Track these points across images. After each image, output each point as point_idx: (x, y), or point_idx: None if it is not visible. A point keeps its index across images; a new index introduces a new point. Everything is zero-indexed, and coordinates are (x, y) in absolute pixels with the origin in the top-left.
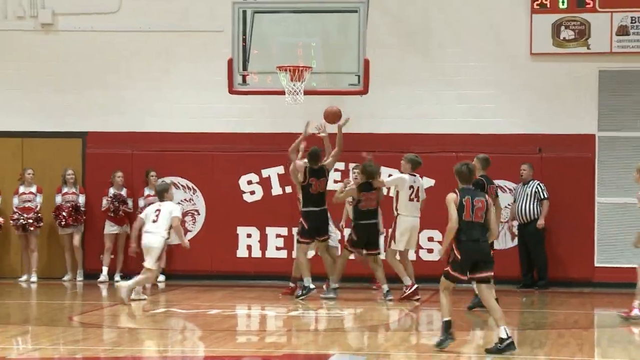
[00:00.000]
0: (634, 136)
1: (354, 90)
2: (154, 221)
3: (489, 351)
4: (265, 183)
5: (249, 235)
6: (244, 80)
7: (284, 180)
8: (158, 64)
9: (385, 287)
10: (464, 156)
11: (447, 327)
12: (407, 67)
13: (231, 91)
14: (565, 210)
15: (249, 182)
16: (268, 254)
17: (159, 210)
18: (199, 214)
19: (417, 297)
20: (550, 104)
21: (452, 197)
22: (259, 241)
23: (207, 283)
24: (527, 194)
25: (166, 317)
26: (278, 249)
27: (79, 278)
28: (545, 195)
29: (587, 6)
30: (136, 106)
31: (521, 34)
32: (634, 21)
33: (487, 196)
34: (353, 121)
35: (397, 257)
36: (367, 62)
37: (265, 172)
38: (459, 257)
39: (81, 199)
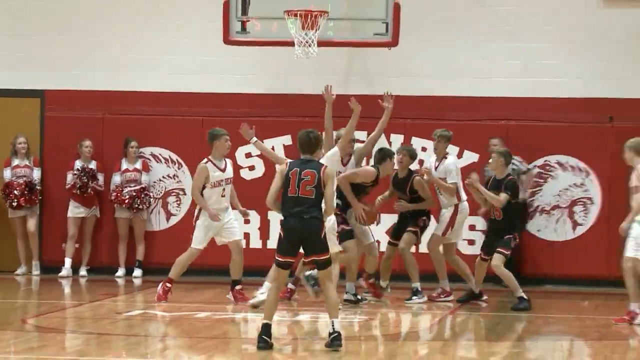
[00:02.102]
0: None
1: (381, 41)
2: None
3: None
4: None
5: (246, 222)
6: (244, 28)
7: (290, 152)
8: (137, 6)
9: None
10: (517, 125)
11: (265, 331)
12: (447, 13)
13: (227, 41)
14: None
15: (248, 155)
16: (270, 244)
17: None
18: (184, 194)
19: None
20: (626, 61)
21: (280, 169)
22: (259, 228)
23: (194, 279)
24: None
25: (143, 321)
26: None
27: (35, 271)
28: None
29: None
30: (109, 58)
31: None
32: None
33: (323, 169)
34: (379, 79)
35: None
36: (397, 7)
37: (268, 143)
38: (282, 236)
39: (36, 174)
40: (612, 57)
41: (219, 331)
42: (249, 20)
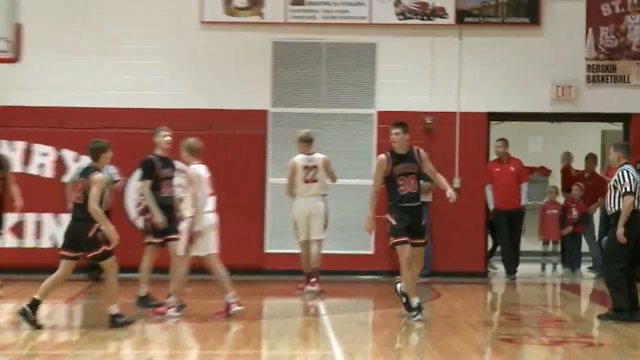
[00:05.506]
0: (309, 112)
1: (3, 57)
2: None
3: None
4: None
5: None
6: None
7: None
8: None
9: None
10: (128, 133)
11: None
12: (65, 32)
13: None
14: (237, 192)
15: None
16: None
17: None
18: None
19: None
20: (222, 78)
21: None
22: None
23: None
24: None
25: None
26: None
27: None
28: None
29: None
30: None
31: None
32: None
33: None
34: (9, 92)
35: None
36: (18, 27)
37: None
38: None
39: None
40: (210, 74)
41: None
42: None
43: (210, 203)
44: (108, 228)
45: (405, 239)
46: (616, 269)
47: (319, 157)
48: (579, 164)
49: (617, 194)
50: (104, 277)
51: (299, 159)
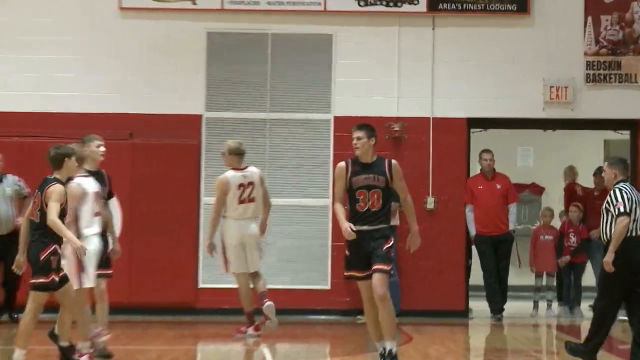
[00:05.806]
0: (251, 118)
1: None
2: None
3: None
4: None
5: None
6: None
7: None
8: None
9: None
10: (32, 142)
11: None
12: None
13: None
14: (165, 214)
15: None
16: None
17: None
18: None
19: None
20: (146, 76)
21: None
22: None
23: None
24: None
25: None
26: None
27: None
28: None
29: None
30: None
31: None
32: None
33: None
34: None
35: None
36: None
37: None
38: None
39: None
40: (132, 71)
41: None
42: None
43: (97, 224)
44: (71, 239)
45: (358, 274)
46: (609, 308)
47: (254, 171)
48: (584, 181)
49: (610, 218)
50: (24, 313)
51: (232, 176)
